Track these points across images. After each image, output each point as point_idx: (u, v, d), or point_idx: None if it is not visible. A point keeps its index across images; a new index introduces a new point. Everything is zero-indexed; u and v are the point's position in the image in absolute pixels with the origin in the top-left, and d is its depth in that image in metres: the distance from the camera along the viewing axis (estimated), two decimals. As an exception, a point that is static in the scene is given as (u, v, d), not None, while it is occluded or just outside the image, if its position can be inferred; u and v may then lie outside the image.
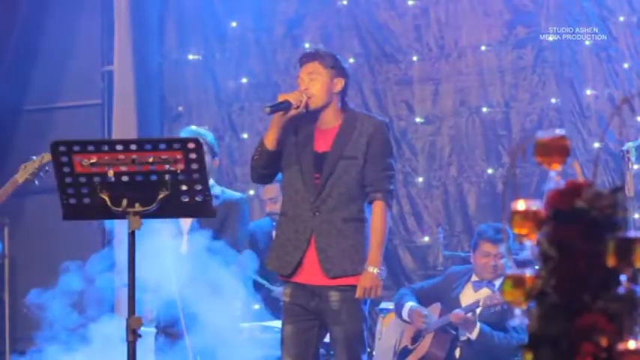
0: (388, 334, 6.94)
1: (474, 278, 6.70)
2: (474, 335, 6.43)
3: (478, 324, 6.42)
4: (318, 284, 5.21)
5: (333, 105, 5.30)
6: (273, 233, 7.33)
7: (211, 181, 6.04)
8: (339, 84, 5.29)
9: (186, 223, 6.03)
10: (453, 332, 6.57)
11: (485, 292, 6.56)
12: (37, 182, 6.35)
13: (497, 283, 6.61)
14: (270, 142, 5.26)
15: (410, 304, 6.73)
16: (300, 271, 5.24)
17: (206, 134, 6.13)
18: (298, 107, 5.18)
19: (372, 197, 5.23)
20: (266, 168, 5.36)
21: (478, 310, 6.47)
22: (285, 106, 5.16)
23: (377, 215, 5.22)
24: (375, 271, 5.14)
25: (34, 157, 6.29)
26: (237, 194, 6.22)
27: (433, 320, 6.64)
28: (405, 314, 6.73)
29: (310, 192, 5.23)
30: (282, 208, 5.43)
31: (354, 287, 5.16)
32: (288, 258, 5.25)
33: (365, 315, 5.26)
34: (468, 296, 6.64)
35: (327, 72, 5.26)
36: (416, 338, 6.74)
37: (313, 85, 5.24)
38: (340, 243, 5.19)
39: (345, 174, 5.22)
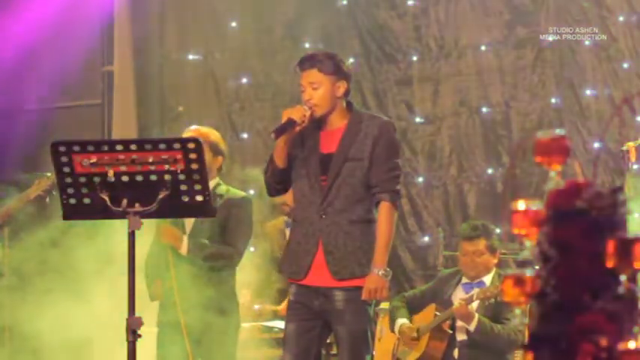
0: (388, 334, 6.94)
1: (464, 280, 6.70)
2: (472, 326, 6.43)
3: (477, 315, 6.42)
4: (324, 285, 5.20)
5: (338, 108, 5.27)
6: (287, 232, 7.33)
7: (217, 180, 6.02)
8: (341, 87, 5.25)
9: (189, 222, 6.00)
10: (450, 332, 6.57)
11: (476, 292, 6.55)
12: (48, 200, 6.35)
13: (487, 279, 6.60)
14: (280, 160, 5.25)
15: (401, 322, 6.74)
16: (310, 273, 5.23)
17: (209, 132, 6.10)
18: (303, 122, 5.16)
19: (378, 198, 5.21)
20: (280, 183, 5.35)
21: (474, 305, 6.47)
22: (290, 126, 5.14)
23: (383, 216, 5.20)
24: (381, 272, 5.12)
25: (49, 174, 6.28)
26: (241, 193, 6.18)
27: (427, 323, 6.64)
28: (396, 330, 6.76)
29: (317, 194, 5.20)
30: (293, 212, 5.42)
31: (359, 288, 5.15)
32: (300, 262, 5.22)
33: (369, 316, 5.24)
34: (459, 298, 6.62)
35: (327, 78, 5.21)
36: (414, 338, 6.74)
37: (316, 95, 5.20)
38: (347, 245, 5.16)
39: (350, 175, 5.19)
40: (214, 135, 6.10)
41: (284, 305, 7.14)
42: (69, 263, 6.28)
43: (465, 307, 6.42)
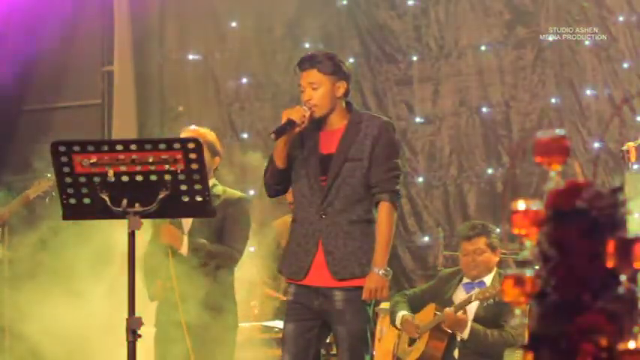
0: (388, 334, 6.94)
1: (465, 280, 6.70)
2: (465, 334, 6.43)
3: (469, 323, 6.41)
4: (324, 285, 5.20)
5: (337, 108, 5.27)
6: None
7: (213, 180, 6.03)
8: (341, 88, 5.25)
9: (187, 223, 6.01)
10: (450, 332, 6.56)
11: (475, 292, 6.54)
12: (47, 200, 6.36)
13: (488, 279, 6.60)
14: (280, 161, 5.25)
15: (402, 314, 6.73)
16: (309, 274, 5.23)
17: (206, 133, 6.11)
18: (303, 122, 5.16)
19: (377, 198, 5.21)
20: (279, 184, 5.36)
21: (474, 305, 6.47)
22: (290, 127, 5.14)
23: (382, 216, 5.19)
24: (381, 272, 5.11)
25: (49, 175, 6.28)
26: (238, 194, 6.19)
27: (427, 322, 6.64)
28: (397, 323, 6.74)
29: (317, 195, 5.20)
30: (293, 213, 5.42)
31: (359, 288, 5.15)
32: (300, 263, 5.22)
33: (369, 316, 5.23)
34: (460, 298, 6.63)
35: (327, 79, 5.21)
36: (413, 339, 6.74)
37: (316, 95, 5.20)
38: (347, 245, 5.16)
39: (350, 176, 5.19)
40: (211, 135, 6.11)
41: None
42: (68, 263, 6.29)
43: (454, 316, 6.41)
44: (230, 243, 5.99)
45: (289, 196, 7.05)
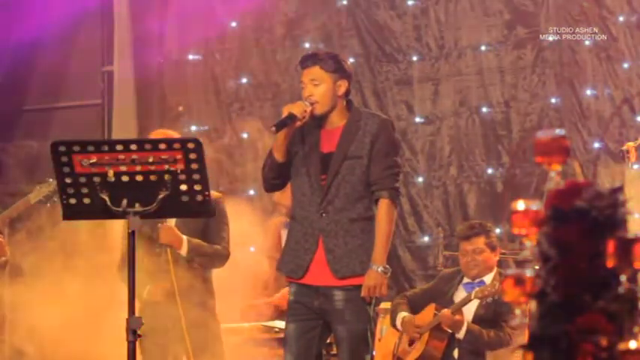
0: (389, 334, 6.94)
1: (465, 280, 6.70)
2: (461, 335, 6.44)
3: (465, 323, 6.42)
4: (324, 284, 5.21)
5: (338, 107, 5.28)
6: None
7: None
8: (342, 86, 5.26)
9: (170, 222, 6.00)
10: (450, 331, 6.56)
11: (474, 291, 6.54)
12: (49, 205, 6.35)
13: (488, 279, 6.60)
14: (280, 155, 5.26)
15: (402, 315, 6.73)
16: (310, 272, 5.23)
17: (174, 134, 6.14)
18: (304, 118, 5.17)
19: (377, 196, 5.22)
20: (277, 178, 5.36)
21: (474, 304, 6.47)
22: (290, 120, 5.15)
23: (382, 213, 5.20)
24: (380, 269, 5.11)
25: (51, 180, 6.28)
26: (217, 194, 6.19)
27: (427, 322, 6.64)
28: (398, 324, 6.75)
29: (317, 193, 5.21)
30: (292, 211, 5.43)
31: (359, 287, 5.15)
32: (299, 261, 5.23)
33: (369, 315, 5.23)
34: (461, 298, 6.63)
35: (329, 76, 5.23)
36: (413, 339, 6.74)
37: (317, 92, 5.21)
38: (348, 243, 5.17)
39: (350, 174, 5.20)
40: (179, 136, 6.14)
41: (277, 297, 7.16)
42: (64, 262, 6.29)
43: (451, 317, 6.41)
44: (220, 242, 6.00)
45: (276, 197, 7.08)
